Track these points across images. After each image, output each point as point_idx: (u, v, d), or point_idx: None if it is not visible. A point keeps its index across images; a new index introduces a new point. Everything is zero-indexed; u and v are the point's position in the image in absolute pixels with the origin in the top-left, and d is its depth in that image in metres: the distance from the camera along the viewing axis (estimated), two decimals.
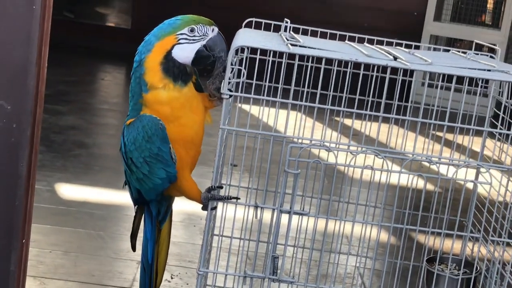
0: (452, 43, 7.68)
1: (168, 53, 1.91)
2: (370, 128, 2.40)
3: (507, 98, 2.11)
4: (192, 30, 1.92)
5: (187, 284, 3.06)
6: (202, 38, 1.93)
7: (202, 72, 2.10)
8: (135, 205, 2.18)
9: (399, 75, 2.21)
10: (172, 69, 1.91)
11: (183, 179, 2.01)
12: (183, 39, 1.91)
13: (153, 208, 2.12)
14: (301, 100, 2.28)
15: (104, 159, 4.53)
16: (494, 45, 7.24)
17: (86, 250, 3.22)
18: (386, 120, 2.06)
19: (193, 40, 1.92)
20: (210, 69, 2.03)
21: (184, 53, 1.92)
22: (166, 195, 2.09)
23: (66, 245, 3.24)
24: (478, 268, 2.23)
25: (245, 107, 2.15)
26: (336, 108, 1.99)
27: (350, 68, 2.23)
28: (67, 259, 3.12)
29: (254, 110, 2.19)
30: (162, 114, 1.93)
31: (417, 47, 2.39)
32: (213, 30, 1.95)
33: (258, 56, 2.02)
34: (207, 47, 1.94)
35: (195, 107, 1.98)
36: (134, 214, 2.25)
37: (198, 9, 8.03)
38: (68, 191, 3.91)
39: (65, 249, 3.20)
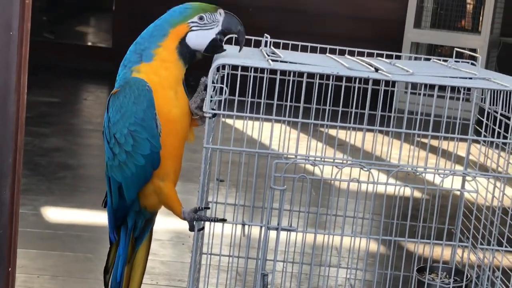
0: (433, 49, 7.72)
1: (183, 39, 2.01)
2: (355, 138, 2.40)
3: (490, 105, 2.12)
4: (201, 18, 2.01)
5: None
6: (214, 25, 2.03)
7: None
8: (112, 230, 2.15)
9: (382, 86, 2.21)
10: (185, 53, 2.01)
11: (164, 183, 1.99)
12: (195, 26, 2.01)
13: (129, 219, 2.10)
14: (285, 114, 2.28)
15: (89, 180, 4.50)
16: (475, 50, 7.28)
17: (74, 273, 3.19)
18: (371, 129, 2.06)
19: (205, 26, 2.02)
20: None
21: (199, 40, 2.02)
22: (144, 207, 2.07)
23: (54, 270, 3.20)
24: (469, 275, 2.23)
25: (229, 121, 2.14)
26: (319, 122, 1.98)
27: (332, 81, 2.23)
28: (56, 283, 3.08)
29: (238, 123, 2.19)
30: (153, 79, 1.98)
31: (398, 57, 2.39)
32: (220, 13, 2.04)
33: (239, 73, 2.01)
34: (224, 31, 2.04)
35: (181, 97, 2.03)
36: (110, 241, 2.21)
37: None
38: (55, 214, 3.88)
39: (53, 274, 3.16)
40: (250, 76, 2.21)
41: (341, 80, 2.09)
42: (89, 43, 9.19)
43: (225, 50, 2.05)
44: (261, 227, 1.93)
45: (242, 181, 2.34)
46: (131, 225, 2.10)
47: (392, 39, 7.59)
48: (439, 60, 2.36)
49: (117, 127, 1.96)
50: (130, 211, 2.08)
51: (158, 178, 2.01)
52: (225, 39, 2.07)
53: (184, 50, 2.01)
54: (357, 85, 2.13)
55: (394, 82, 1.95)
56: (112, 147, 2.00)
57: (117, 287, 2.13)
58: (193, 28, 2.01)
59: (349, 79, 1.95)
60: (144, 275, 2.22)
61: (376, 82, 2.04)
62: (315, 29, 7.86)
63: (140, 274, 2.18)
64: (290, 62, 1.96)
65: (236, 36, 2.09)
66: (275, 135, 2.18)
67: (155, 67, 1.99)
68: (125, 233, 2.12)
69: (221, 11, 2.05)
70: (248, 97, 2.25)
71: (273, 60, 1.94)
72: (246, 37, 2.42)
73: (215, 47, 2.04)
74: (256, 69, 2.20)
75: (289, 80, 2.27)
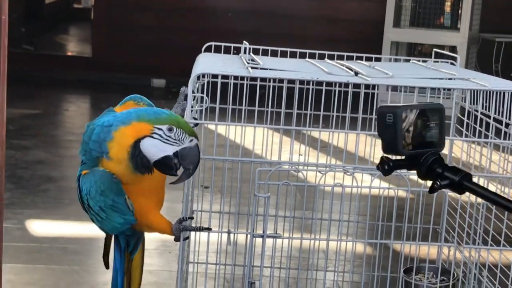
0: (413, 48, 7.75)
1: (138, 141, 1.84)
2: (338, 140, 2.40)
3: (470, 104, 2.13)
4: (170, 130, 1.82)
5: None
6: (175, 143, 1.83)
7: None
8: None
9: (362, 89, 2.22)
10: (136, 158, 1.84)
11: (149, 218, 1.98)
12: (158, 134, 1.83)
13: (121, 240, 2.09)
14: (267, 119, 2.28)
15: (73, 192, 4.43)
16: (455, 47, 7.31)
17: (61, 286, 3.17)
18: (353, 128, 2.07)
19: (166, 140, 1.83)
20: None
21: (152, 150, 1.84)
22: (135, 230, 2.07)
23: (40, 283, 3.18)
24: (455, 274, 2.23)
25: (212, 126, 2.14)
26: (301, 128, 1.99)
27: (313, 85, 2.23)
28: None
29: (221, 129, 2.18)
30: (119, 176, 1.90)
31: (377, 60, 2.40)
32: (191, 140, 1.84)
33: (219, 80, 2.01)
34: (178, 154, 1.84)
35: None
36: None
37: (157, 33, 8.05)
38: (39, 227, 3.86)
39: (40, 287, 3.14)
40: (230, 83, 2.21)
41: (321, 85, 2.10)
42: (69, 53, 9.15)
43: (176, 175, 1.87)
44: (246, 235, 1.92)
45: (227, 187, 2.34)
46: (124, 245, 2.09)
47: (371, 39, 7.61)
48: (419, 61, 2.37)
49: (90, 203, 1.94)
50: (120, 234, 2.08)
51: (142, 223, 2.00)
52: (179, 165, 1.86)
53: (136, 153, 1.83)
54: (337, 88, 2.14)
55: (374, 85, 1.96)
56: (86, 209, 1.98)
57: None
58: (154, 135, 1.82)
59: (329, 83, 1.95)
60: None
61: (357, 85, 2.04)
62: (295, 32, 7.87)
63: (139, 278, 2.18)
64: (270, 69, 1.96)
65: (183, 168, 1.86)
66: (258, 139, 2.18)
67: (114, 168, 1.87)
68: (119, 251, 2.10)
69: (194, 140, 1.84)
70: (229, 104, 2.24)
71: (252, 67, 1.94)
72: (226, 44, 2.43)
73: (165, 166, 1.84)
74: (236, 77, 2.19)
75: (269, 86, 2.27)
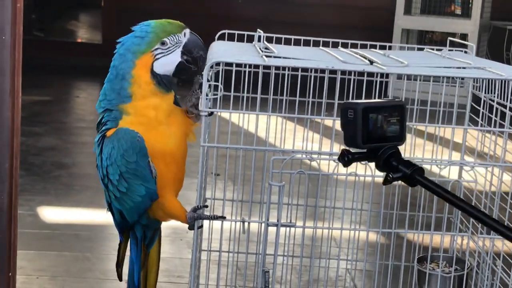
0: (424, 35, 7.71)
1: (152, 69, 1.92)
2: None
3: (485, 93, 2.12)
4: (163, 43, 1.92)
5: None
6: (176, 47, 1.93)
7: (178, 82, 2.07)
8: (120, 232, 2.14)
9: (377, 77, 2.21)
10: (161, 81, 1.93)
11: (166, 199, 1.98)
12: (159, 54, 1.92)
13: (137, 231, 2.09)
14: (280, 107, 2.27)
15: (84, 178, 4.49)
16: (466, 34, 7.27)
17: (73, 273, 3.18)
18: None
19: (168, 51, 1.93)
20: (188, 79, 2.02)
21: (165, 67, 1.93)
22: (152, 219, 2.06)
23: (52, 270, 3.20)
24: (469, 264, 2.23)
25: (225, 115, 2.13)
26: (315, 117, 1.98)
27: (327, 74, 2.22)
28: (55, 284, 3.08)
29: (234, 117, 2.18)
30: (144, 120, 1.92)
31: (390, 48, 2.39)
32: (184, 34, 1.94)
33: (234, 68, 2.01)
34: (185, 52, 1.94)
35: (174, 120, 1.96)
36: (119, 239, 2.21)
37: (168, 19, 8.02)
38: (51, 214, 3.87)
39: (52, 274, 3.16)
40: (245, 71, 2.20)
41: (335, 73, 2.09)
42: (79, 40, 9.15)
43: (195, 69, 1.95)
44: (260, 223, 1.92)
45: (240, 174, 2.34)
46: (140, 237, 2.09)
47: (382, 26, 7.58)
48: (433, 49, 2.35)
49: (110, 170, 1.93)
50: (137, 225, 2.07)
51: (159, 202, 2.00)
52: (192, 56, 1.95)
53: (158, 78, 1.92)
54: (352, 77, 2.13)
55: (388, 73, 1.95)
56: (106, 184, 1.98)
57: None
58: (157, 57, 1.92)
59: (344, 71, 1.95)
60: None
61: (371, 73, 2.03)
62: (305, 20, 7.85)
63: (155, 272, 2.17)
64: (284, 57, 1.95)
65: (194, 65, 1.95)
66: (271, 127, 2.18)
67: (140, 108, 1.91)
68: (135, 243, 2.09)
69: (187, 31, 1.94)
70: (243, 93, 2.24)
71: (267, 56, 1.93)
72: (239, 32, 2.42)
73: (183, 70, 1.95)
74: (250, 65, 2.19)
75: (284, 74, 2.26)
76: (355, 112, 1.42)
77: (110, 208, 2.07)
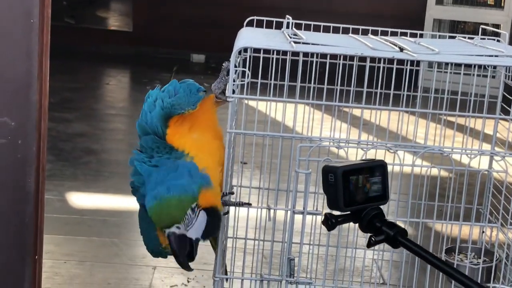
0: (455, 25, 7.62)
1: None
2: (379, 118, 2.36)
3: None
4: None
5: (204, 287, 3.04)
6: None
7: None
8: None
9: (407, 65, 2.18)
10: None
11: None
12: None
13: None
14: (308, 95, 2.25)
15: (113, 165, 4.52)
16: (498, 25, 7.18)
17: (101, 258, 3.21)
18: (396, 106, 2.04)
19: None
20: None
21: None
22: None
23: (80, 255, 3.22)
24: (498, 256, 2.20)
25: (251, 103, 2.12)
26: (343, 104, 1.96)
27: (356, 61, 2.19)
28: (83, 268, 3.10)
29: (261, 105, 2.17)
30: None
31: (421, 36, 2.35)
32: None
33: (261, 55, 1.99)
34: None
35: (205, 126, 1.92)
36: None
37: (197, 8, 8.02)
38: (80, 199, 3.90)
39: (80, 259, 3.18)
40: (273, 58, 2.18)
41: (364, 60, 2.06)
42: (110, 28, 9.19)
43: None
44: (286, 211, 1.91)
45: (266, 163, 2.33)
46: None
47: (414, 16, 7.50)
48: (464, 37, 2.31)
49: (149, 119, 1.86)
50: None
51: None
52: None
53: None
54: (381, 64, 2.10)
55: (418, 61, 1.92)
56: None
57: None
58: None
59: (373, 59, 1.92)
60: None
61: (400, 61, 2.01)
62: (335, 8, 7.80)
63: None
64: (313, 44, 1.93)
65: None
66: (298, 116, 2.15)
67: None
68: None
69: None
70: (271, 80, 2.22)
71: (295, 42, 1.91)
72: (268, 19, 2.40)
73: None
74: (278, 51, 2.17)
75: (312, 61, 2.24)
76: (335, 176, 1.43)
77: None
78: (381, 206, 1.55)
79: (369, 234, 1.49)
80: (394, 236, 1.44)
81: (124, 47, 7.64)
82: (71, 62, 7.29)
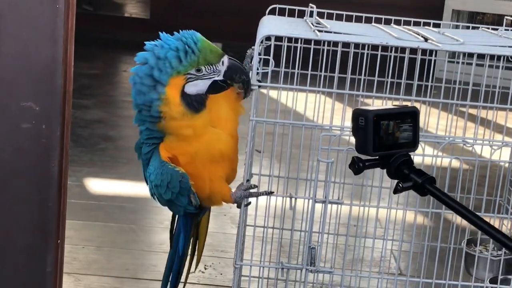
0: (474, 16, 7.57)
1: (182, 91, 1.83)
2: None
3: None
4: (198, 70, 1.83)
5: (221, 274, 3.05)
6: (213, 75, 1.85)
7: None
8: None
9: (429, 55, 2.16)
10: (191, 102, 1.84)
11: (215, 193, 1.96)
12: (191, 78, 1.84)
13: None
14: (330, 84, 2.24)
15: (130, 151, 4.48)
16: None
17: (118, 244, 3.22)
18: (409, 99, 2.04)
19: (202, 77, 1.84)
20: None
21: (197, 87, 1.84)
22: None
23: (98, 240, 3.24)
24: None
25: (272, 92, 2.12)
26: (365, 93, 1.95)
27: (380, 51, 2.18)
28: (100, 254, 3.12)
29: (283, 94, 2.16)
30: (185, 136, 1.88)
31: (444, 26, 2.34)
32: (223, 62, 1.85)
33: (285, 44, 1.99)
34: (226, 81, 1.87)
35: (221, 121, 1.92)
36: None
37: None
38: (97, 185, 3.92)
39: (98, 244, 3.20)
40: (295, 47, 2.18)
41: (387, 50, 2.05)
42: (127, 15, 9.19)
43: (227, 87, 1.89)
44: (308, 200, 1.91)
45: (284, 153, 2.33)
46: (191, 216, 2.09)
47: (432, 6, 7.46)
48: (488, 28, 2.30)
49: (151, 178, 1.93)
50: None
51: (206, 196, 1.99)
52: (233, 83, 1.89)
53: (188, 100, 1.83)
54: (405, 55, 2.09)
55: (432, 51, 1.90)
56: (151, 189, 1.98)
57: (180, 261, 2.12)
58: (189, 80, 1.83)
59: (395, 49, 1.91)
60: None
61: (413, 51, 1.99)
62: None
63: (204, 240, 2.18)
64: (336, 33, 1.93)
65: (230, 85, 1.88)
66: (317, 105, 2.15)
67: (175, 128, 1.85)
68: (185, 215, 2.07)
69: (225, 59, 1.85)
70: (298, 69, 2.21)
71: (319, 31, 1.91)
72: (290, 7, 2.39)
73: (217, 88, 1.87)
74: (299, 40, 2.16)
75: (334, 51, 2.23)
76: (366, 120, 1.41)
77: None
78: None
79: (396, 181, 1.47)
80: (422, 184, 1.42)
81: (142, 34, 7.62)
82: (89, 48, 7.30)
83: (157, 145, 1.92)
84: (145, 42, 1.87)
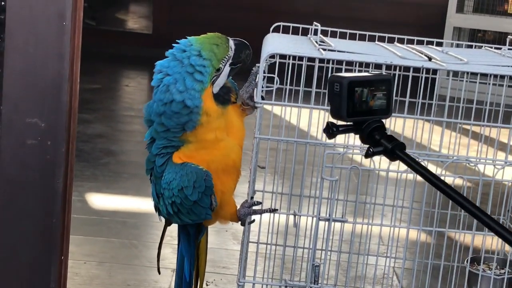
0: (475, 34, 7.60)
1: (213, 95, 1.88)
2: (395, 125, 2.35)
3: None
4: (218, 70, 1.88)
5: None
6: (227, 64, 1.90)
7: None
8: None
9: (423, 73, 2.17)
10: (222, 98, 1.90)
11: (224, 205, 1.97)
12: (214, 79, 1.88)
13: (190, 229, 2.07)
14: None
15: (132, 166, 4.54)
16: None
17: (120, 259, 3.22)
18: (412, 118, 2.05)
19: (221, 71, 1.89)
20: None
21: (220, 84, 1.90)
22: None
23: (100, 256, 3.24)
24: None
25: (276, 109, 2.12)
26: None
27: (384, 70, 2.19)
28: (102, 269, 3.12)
29: (286, 111, 2.17)
30: (205, 144, 1.89)
31: (445, 44, 2.35)
32: (231, 48, 1.89)
33: (290, 61, 2.00)
34: (234, 63, 1.91)
35: (233, 130, 1.95)
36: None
37: (219, 12, 8.04)
38: (99, 200, 3.92)
39: (100, 260, 3.20)
40: (299, 65, 2.19)
41: (391, 69, 2.06)
42: (130, 30, 9.23)
43: (241, 66, 1.94)
44: (312, 217, 1.91)
45: (287, 169, 2.33)
46: (193, 233, 2.08)
47: (433, 23, 7.49)
48: (491, 48, 2.31)
49: (165, 194, 1.92)
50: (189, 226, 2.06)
51: (215, 213, 1.99)
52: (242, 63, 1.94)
53: (219, 99, 1.89)
54: (409, 73, 2.10)
55: (435, 70, 1.91)
56: (158, 197, 1.96)
57: (188, 286, 2.11)
58: (213, 81, 1.88)
59: (388, 67, 1.92)
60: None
61: (417, 69, 2.00)
62: (356, 14, 7.79)
63: (204, 260, 2.17)
64: (340, 51, 1.94)
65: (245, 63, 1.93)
66: (321, 122, 2.15)
67: (201, 133, 1.87)
68: (187, 239, 2.07)
69: (231, 43, 1.90)
70: (301, 86, 2.22)
71: (323, 49, 1.92)
72: (295, 25, 2.40)
73: (234, 70, 1.93)
74: (302, 58, 2.17)
75: (338, 69, 2.24)
76: (340, 86, 1.43)
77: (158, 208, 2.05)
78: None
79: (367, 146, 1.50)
80: (392, 149, 1.44)
81: (144, 49, 7.67)
82: (91, 63, 7.31)
83: (170, 155, 1.91)
84: (156, 78, 1.87)
